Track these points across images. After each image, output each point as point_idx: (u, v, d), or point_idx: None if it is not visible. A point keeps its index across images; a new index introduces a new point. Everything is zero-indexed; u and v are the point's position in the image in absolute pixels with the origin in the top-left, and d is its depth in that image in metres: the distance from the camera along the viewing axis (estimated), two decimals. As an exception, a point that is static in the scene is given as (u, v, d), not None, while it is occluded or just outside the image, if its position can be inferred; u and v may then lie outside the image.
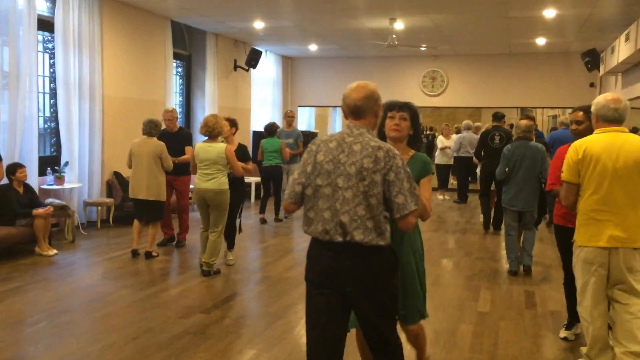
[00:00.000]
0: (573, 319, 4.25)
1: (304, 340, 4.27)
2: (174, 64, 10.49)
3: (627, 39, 8.27)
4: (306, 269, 2.71)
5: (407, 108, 3.10)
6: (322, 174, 2.60)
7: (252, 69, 12.39)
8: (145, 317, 4.64)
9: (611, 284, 3.40)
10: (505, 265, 6.63)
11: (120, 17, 8.75)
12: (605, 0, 7.75)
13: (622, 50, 8.67)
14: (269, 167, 9.01)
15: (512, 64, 13.06)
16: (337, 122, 19.79)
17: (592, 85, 12.53)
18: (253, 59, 12.03)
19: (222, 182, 5.78)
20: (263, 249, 7.45)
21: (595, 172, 3.36)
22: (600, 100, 3.48)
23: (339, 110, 19.22)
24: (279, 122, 14.09)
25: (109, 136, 8.55)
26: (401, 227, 2.59)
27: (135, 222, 6.65)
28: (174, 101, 10.38)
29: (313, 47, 12.70)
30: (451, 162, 12.01)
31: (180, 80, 11.09)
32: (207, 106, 11.02)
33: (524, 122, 6.30)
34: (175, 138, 7.01)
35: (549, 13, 8.54)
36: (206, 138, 5.88)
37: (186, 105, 11.19)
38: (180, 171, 6.95)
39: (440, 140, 12.31)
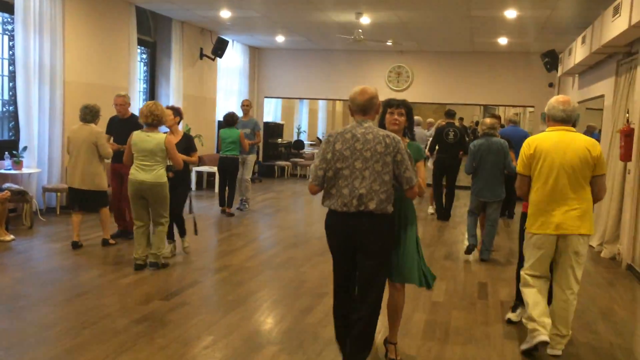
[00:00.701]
0: (520, 301, 4.49)
1: (262, 327, 4.38)
2: (139, 51, 10.35)
3: (583, 41, 8.57)
4: (327, 235, 3.56)
5: (403, 105, 3.72)
6: (341, 159, 3.34)
7: (218, 58, 12.33)
8: (103, 304, 4.64)
9: (555, 268, 3.88)
10: (460, 256, 6.85)
11: (83, 1, 8.59)
12: (563, 3, 8.01)
13: (578, 52, 8.98)
14: (225, 158, 8.84)
15: (476, 62, 13.34)
16: (303, 114, 19.85)
17: (551, 85, 12.91)
18: (219, 48, 11.97)
19: (160, 174, 5.50)
20: (225, 239, 7.48)
21: (544, 166, 3.80)
22: (551, 101, 3.92)
23: (306, 102, 19.30)
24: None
25: (70, 122, 8.38)
26: (409, 196, 3.46)
27: (73, 213, 6.39)
28: (138, 88, 10.26)
29: (280, 39, 12.71)
30: None
31: (145, 67, 10.97)
32: (171, 94, 10.94)
33: (489, 120, 6.83)
34: (126, 124, 6.55)
35: (510, 14, 8.78)
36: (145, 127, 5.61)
37: (150, 92, 11.07)
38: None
39: None
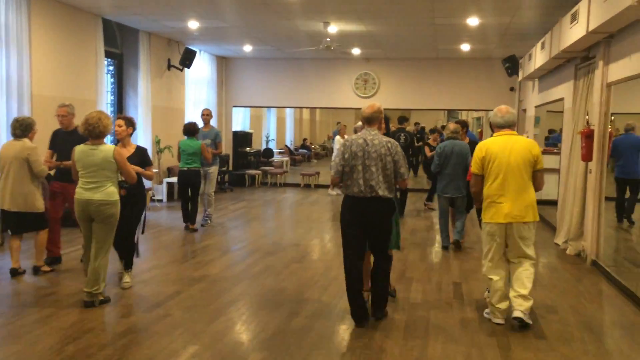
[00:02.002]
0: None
1: (246, 335, 4.45)
2: (106, 63, 10.27)
3: (542, 47, 8.90)
4: (342, 214, 4.71)
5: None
6: (356, 158, 4.53)
7: (186, 69, 12.31)
8: (85, 318, 4.62)
9: (508, 250, 4.67)
10: (433, 258, 7.03)
11: (49, 14, 8.50)
12: (523, 11, 8.33)
13: (538, 57, 9.32)
14: (185, 171, 8.32)
15: (440, 68, 13.66)
16: (271, 123, 19.91)
17: (512, 89, 13.32)
18: (187, 58, 11.96)
19: (109, 192, 4.85)
20: (201, 249, 7.49)
21: (494, 166, 4.58)
22: (494, 111, 4.78)
23: (274, 111, 19.38)
24: (213, 123, 14.08)
25: (38, 135, 8.27)
26: (401, 186, 4.77)
27: (10, 238, 5.87)
28: (106, 100, 10.17)
29: (248, 48, 12.78)
30: None
31: (112, 79, 10.87)
32: (139, 105, 10.87)
33: (452, 125, 7.81)
34: (70, 138, 5.93)
35: (473, 21, 9.06)
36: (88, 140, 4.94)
37: (118, 104, 10.98)
38: (71, 178, 5.42)
39: (337, 141, 12.40)
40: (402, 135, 10.59)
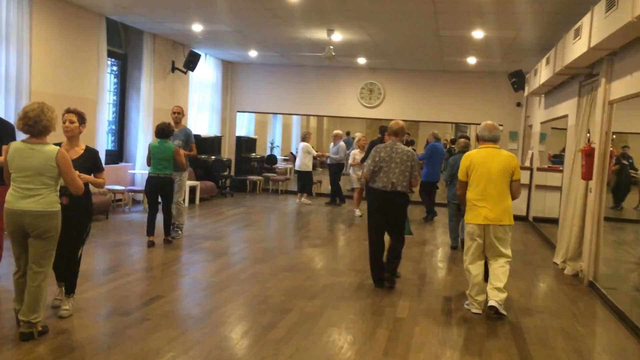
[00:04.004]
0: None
1: (223, 343, 4.35)
2: (109, 63, 10.27)
3: (547, 62, 8.78)
4: (368, 204, 6.15)
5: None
6: (383, 161, 5.90)
7: (190, 72, 12.30)
8: (61, 319, 4.53)
9: (486, 249, 5.27)
10: (426, 272, 6.90)
11: (51, 12, 8.51)
12: (527, 25, 8.22)
13: (543, 73, 9.20)
14: (155, 177, 7.37)
15: (446, 80, 13.56)
16: (277, 129, 19.86)
17: (519, 104, 13.18)
18: (191, 61, 11.95)
19: (49, 201, 4.02)
20: (190, 254, 7.39)
21: (477, 174, 5.25)
22: (481, 125, 5.44)
23: (280, 117, 19.33)
24: (216, 127, 14.08)
25: (55, 134, 8.27)
26: (414, 185, 6.04)
27: None
28: (107, 100, 10.16)
29: (253, 53, 12.75)
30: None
31: (115, 80, 10.87)
32: (141, 107, 10.85)
33: (462, 140, 8.52)
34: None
35: (477, 34, 8.96)
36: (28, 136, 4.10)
37: (120, 105, 10.97)
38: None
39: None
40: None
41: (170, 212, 7.64)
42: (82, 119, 4.62)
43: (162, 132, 7.42)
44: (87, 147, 4.65)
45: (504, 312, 5.15)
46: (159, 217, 7.58)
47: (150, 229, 7.41)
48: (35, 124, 4.00)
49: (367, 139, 11.92)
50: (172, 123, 7.98)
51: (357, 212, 11.26)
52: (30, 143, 4.04)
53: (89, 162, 4.56)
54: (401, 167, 5.85)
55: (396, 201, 5.92)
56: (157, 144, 7.42)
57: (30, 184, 3.99)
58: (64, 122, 4.53)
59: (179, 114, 8.29)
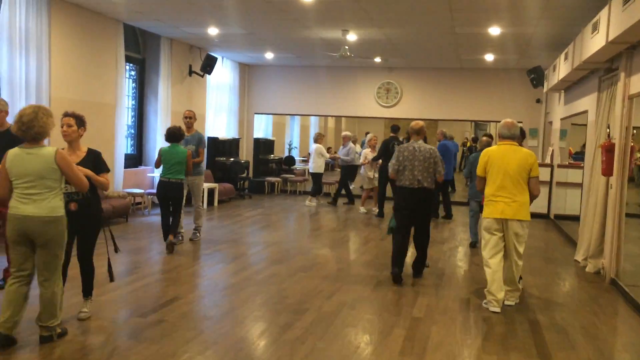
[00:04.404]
0: None
1: (239, 343, 4.37)
2: (128, 68, 10.40)
3: (565, 57, 8.66)
4: (395, 200, 6.51)
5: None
6: (407, 159, 6.22)
7: (207, 75, 12.39)
8: (80, 321, 4.59)
9: (505, 247, 5.32)
10: (445, 272, 6.85)
11: (69, 18, 8.65)
12: (545, 21, 8.11)
13: (562, 69, 9.06)
14: (166, 182, 7.19)
15: (464, 78, 13.44)
16: (294, 130, 19.90)
17: (538, 101, 13.01)
18: (208, 64, 12.03)
19: (53, 206, 3.97)
20: (209, 255, 7.44)
21: (494, 170, 5.35)
22: (500, 123, 5.55)
23: (297, 119, 19.37)
24: (234, 129, 14.16)
25: (55, 140, 8.34)
26: (438, 180, 6.34)
27: None
28: (126, 104, 10.29)
29: (270, 55, 12.79)
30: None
31: (134, 84, 11.00)
32: (159, 111, 10.97)
33: (485, 138, 8.63)
34: (4, 138, 5.10)
35: (494, 31, 8.87)
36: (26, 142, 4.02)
37: (139, 109, 11.10)
38: None
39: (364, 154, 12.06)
40: (395, 143, 10.64)
41: (179, 215, 7.41)
42: (80, 122, 4.49)
43: (173, 135, 7.25)
44: (89, 149, 4.54)
45: (513, 303, 5.49)
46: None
47: (167, 234, 7.28)
48: (28, 129, 3.91)
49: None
50: (184, 127, 7.87)
51: (362, 210, 11.71)
52: (27, 148, 3.98)
53: (91, 164, 4.44)
54: (424, 164, 6.16)
55: (422, 196, 6.22)
56: (169, 148, 7.27)
57: (33, 189, 3.93)
58: (61, 127, 4.44)
59: (191, 118, 8.09)
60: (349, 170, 12.75)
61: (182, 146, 7.41)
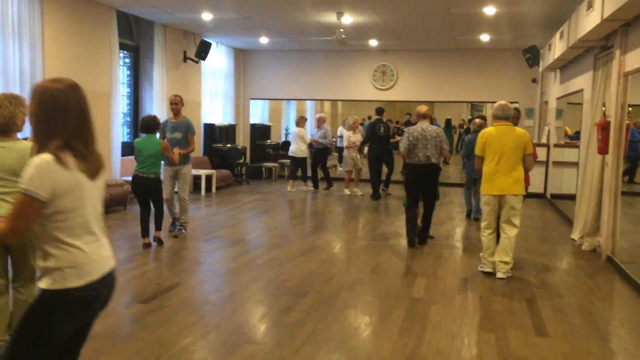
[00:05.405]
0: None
1: (240, 327, 4.41)
2: (122, 55, 10.35)
3: (561, 36, 8.63)
4: (406, 176, 7.43)
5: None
6: (417, 140, 6.95)
7: (202, 61, 12.33)
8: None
9: (500, 219, 5.78)
10: (442, 253, 6.90)
11: (62, 6, 8.58)
12: (540, -1, 8.08)
13: (557, 47, 9.04)
14: (140, 177, 6.58)
15: (459, 59, 13.40)
16: (291, 115, 19.83)
17: (534, 81, 12.99)
18: (203, 50, 11.98)
19: None
20: (208, 240, 7.48)
21: (492, 149, 5.74)
22: (495, 105, 5.94)
23: (294, 104, 19.30)
24: (230, 115, 14.12)
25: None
26: (444, 156, 7.40)
27: None
28: (121, 92, 10.25)
29: (264, 40, 12.73)
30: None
31: (128, 72, 10.95)
32: (155, 97, 10.93)
33: (478, 120, 8.88)
34: None
35: (489, 10, 8.83)
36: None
37: (134, 96, 11.06)
38: None
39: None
40: (381, 126, 10.95)
41: (162, 210, 6.89)
42: None
43: (147, 125, 6.63)
44: None
45: (510, 274, 5.82)
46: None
47: (145, 231, 6.75)
48: (2, 120, 3.49)
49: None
50: (172, 114, 7.50)
51: (346, 192, 11.77)
52: (1, 142, 3.51)
53: None
54: (432, 143, 6.92)
55: (430, 170, 6.99)
56: (143, 140, 6.67)
57: (5, 187, 3.45)
58: None
59: (178, 104, 7.43)
60: (324, 154, 12.32)
61: (168, 134, 7.11)
